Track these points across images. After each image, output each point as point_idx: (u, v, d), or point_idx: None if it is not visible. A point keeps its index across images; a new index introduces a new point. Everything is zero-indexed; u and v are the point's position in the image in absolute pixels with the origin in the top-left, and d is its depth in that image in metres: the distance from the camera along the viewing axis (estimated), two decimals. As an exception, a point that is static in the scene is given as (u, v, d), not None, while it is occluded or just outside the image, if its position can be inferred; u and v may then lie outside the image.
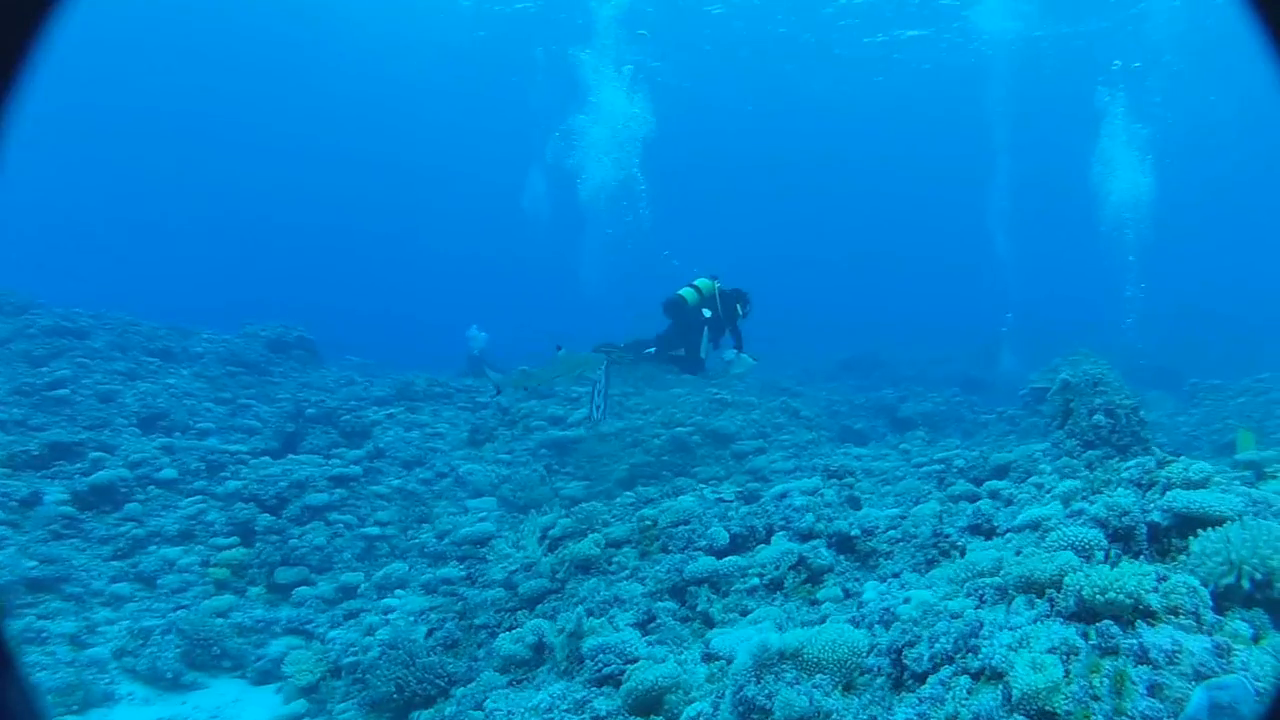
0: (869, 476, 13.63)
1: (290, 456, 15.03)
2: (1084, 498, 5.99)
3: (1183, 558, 4.77)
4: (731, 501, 11.29)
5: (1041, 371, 16.35)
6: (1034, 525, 5.98)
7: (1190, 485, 5.68)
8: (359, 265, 79.58)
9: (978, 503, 8.54)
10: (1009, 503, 9.31)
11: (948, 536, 7.99)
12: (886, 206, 62.36)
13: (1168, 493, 5.53)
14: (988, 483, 10.21)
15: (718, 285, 11.93)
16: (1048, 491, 7.86)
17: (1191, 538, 4.78)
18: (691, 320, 11.71)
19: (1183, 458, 5.92)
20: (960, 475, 11.43)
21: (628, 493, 13.75)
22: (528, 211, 35.49)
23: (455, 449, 16.99)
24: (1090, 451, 9.68)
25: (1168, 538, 5.31)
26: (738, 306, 11.99)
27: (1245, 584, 4.31)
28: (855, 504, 10.58)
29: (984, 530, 7.85)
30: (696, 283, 11.88)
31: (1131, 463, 9.09)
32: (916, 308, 57.80)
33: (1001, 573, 4.85)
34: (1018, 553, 5.13)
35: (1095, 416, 9.71)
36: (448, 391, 20.10)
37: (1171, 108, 28.14)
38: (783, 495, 10.56)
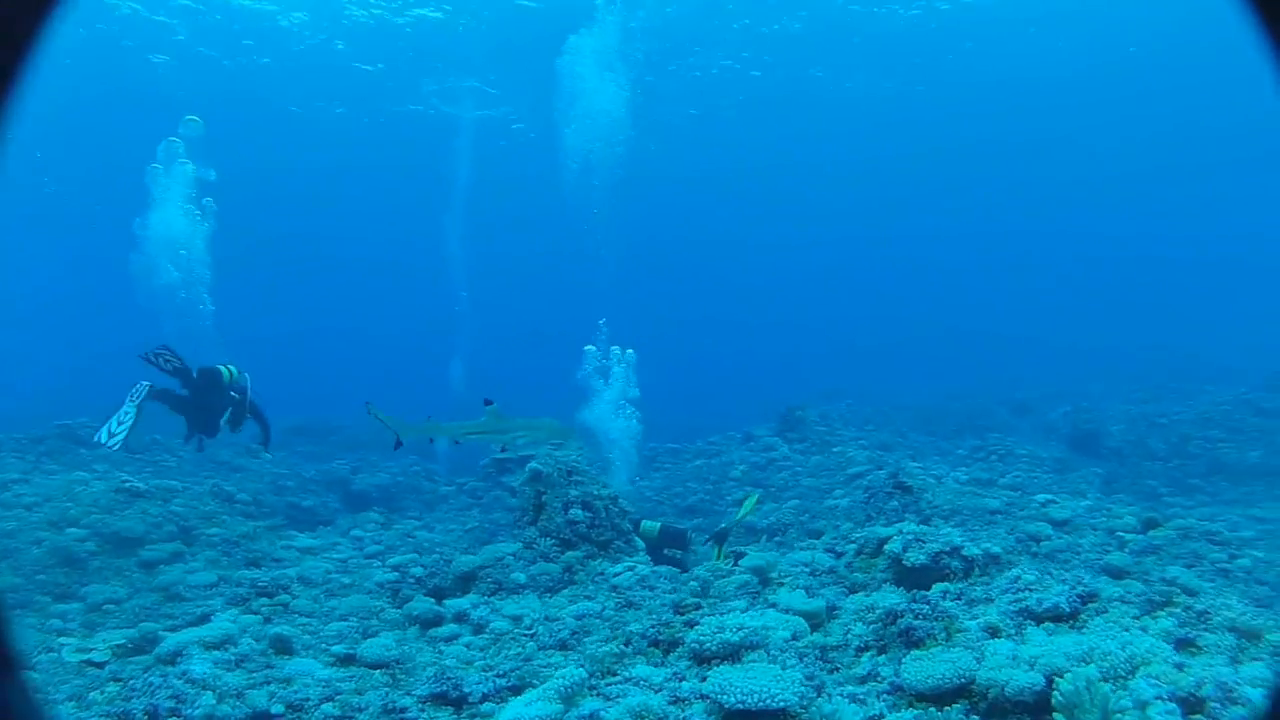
0: (310, 587, 10.96)
1: None
2: (593, 689, 4.00)
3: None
4: (106, 662, 7.89)
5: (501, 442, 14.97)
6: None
7: (731, 651, 3.99)
8: None
9: (443, 659, 6.32)
10: (479, 629, 7.43)
11: (404, 711, 5.67)
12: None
13: (708, 671, 3.77)
14: (453, 601, 8.32)
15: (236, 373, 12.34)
16: (530, 634, 5.88)
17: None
18: (220, 395, 11.93)
19: (707, 604, 4.21)
20: (419, 587, 9.26)
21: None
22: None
23: None
24: (569, 552, 8.08)
25: (715, 746, 3.55)
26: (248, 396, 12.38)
27: None
28: (285, 647, 7.89)
29: (452, 700, 5.68)
30: (231, 367, 12.17)
31: (620, 568, 7.62)
32: (370, 366, 55.66)
33: None
34: None
35: (572, 511, 8.15)
36: None
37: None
38: (176, 655, 7.48)
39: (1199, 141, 37.54)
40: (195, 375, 12.01)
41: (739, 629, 4.04)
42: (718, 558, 9.17)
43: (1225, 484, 14.73)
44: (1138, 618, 4.49)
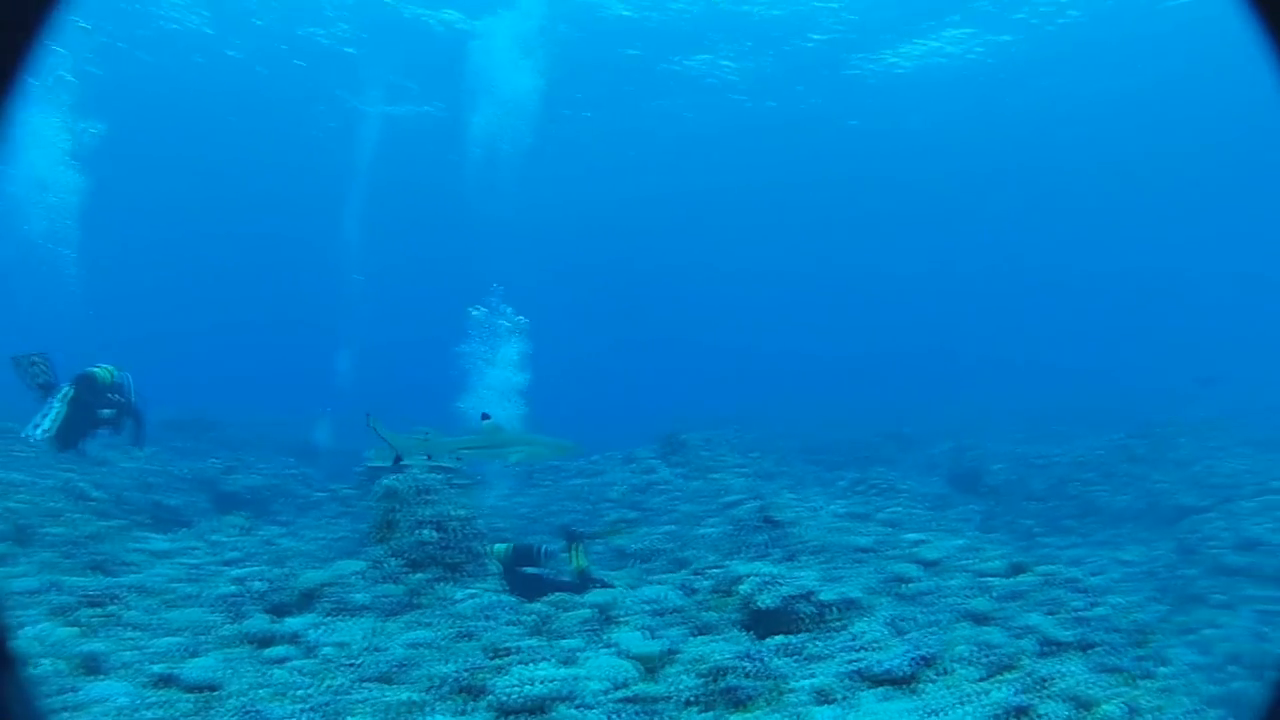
0: (147, 596, 10.16)
1: None
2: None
3: None
4: None
5: (376, 450, 14.38)
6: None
7: (536, 705, 3.63)
8: None
9: (262, 685, 5.82)
10: (310, 652, 6.91)
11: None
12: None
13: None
14: (291, 620, 7.74)
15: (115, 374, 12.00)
16: (354, 663, 5.43)
17: None
18: (101, 399, 11.66)
19: (539, 643, 3.85)
20: (260, 602, 8.66)
21: None
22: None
23: None
24: (417, 574, 7.61)
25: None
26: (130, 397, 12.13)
27: None
28: (95, 667, 7.23)
29: (253, 735, 5.17)
30: (109, 367, 11.94)
31: (465, 594, 7.20)
32: (262, 361, 53.75)
33: None
34: None
35: (422, 530, 7.70)
36: None
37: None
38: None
39: (1109, 169, 38.87)
40: (71, 387, 11.56)
41: (546, 681, 3.68)
42: (574, 562, 8.91)
43: (1096, 525, 15.03)
44: (980, 680, 4.29)
